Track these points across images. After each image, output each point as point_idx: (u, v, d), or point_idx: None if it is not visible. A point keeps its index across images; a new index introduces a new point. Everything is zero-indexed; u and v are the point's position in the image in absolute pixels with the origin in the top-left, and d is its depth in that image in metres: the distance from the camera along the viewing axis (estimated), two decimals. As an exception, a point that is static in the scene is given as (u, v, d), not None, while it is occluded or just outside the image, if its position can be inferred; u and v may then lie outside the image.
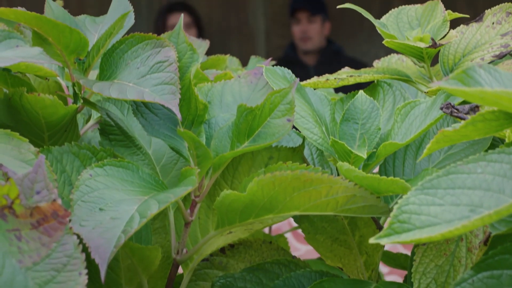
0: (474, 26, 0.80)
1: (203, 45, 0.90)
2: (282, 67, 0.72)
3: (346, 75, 0.78)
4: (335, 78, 0.77)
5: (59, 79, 0.72)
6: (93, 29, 0.77)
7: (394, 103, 0.75)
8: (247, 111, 0.64)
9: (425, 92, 0.74)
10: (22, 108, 0.65)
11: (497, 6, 0.81)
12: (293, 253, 0.75)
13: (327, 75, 0.80)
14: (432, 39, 0.73)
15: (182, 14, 0.75)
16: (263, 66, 0.71)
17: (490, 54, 0.76)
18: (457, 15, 0.80)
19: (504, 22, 0.79)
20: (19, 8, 0.68)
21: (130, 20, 0.73)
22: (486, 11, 0.81)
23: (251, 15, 4.50)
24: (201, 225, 0.70)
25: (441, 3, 0.82)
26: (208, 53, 4.17)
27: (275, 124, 0.64)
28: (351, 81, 0.77)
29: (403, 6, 0.86)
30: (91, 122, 0.75)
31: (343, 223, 0.69)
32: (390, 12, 0.86)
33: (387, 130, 0.70)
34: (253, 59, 1.07)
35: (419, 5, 0.86)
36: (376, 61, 0.88)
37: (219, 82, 0.72)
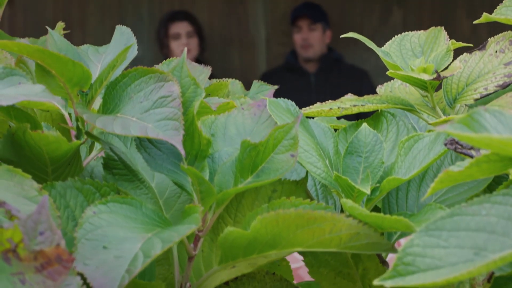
0: (477, 54, 0.80)
1: (205, 71, 0.90)
2: (286, 99, 0.72)
3: (349, 104, 0.78)
4: (338, 108, 0.77)
5: (62, 110, 0.72)
6: (96, 59, 0.77)
7: (398, 134, 0.75)
8: (251, 147, 0.63)
9: (428, 123, 0.74)
10: (26, 144, 0.65)
11: (500, 34, 0.81)
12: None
13: (330, 102, 0.80)
14: (436, 71, 0.73)
15: (186, 48, 0.75)
16: (267, 99, 0.71)
17: (493, 84, 0.76)
18: (461, 44, 0.80)
19: (507, 50, 0.79)
20: (22, 41, 0.68)
21: (133, 51, 0.73)
22: (489, 39, 0.81)
23: (252, 23, 4.50)
24: (204, 259, 0.70)
25: (444, 31, 0.82)
26: (210, 61, 4.22)
27: (279, 160, 0.64)
28: (355, 110, 0.77)
29: (406, 33, 0.86)
30: (93, 152, 0.75)
31: (346, 256, 0.69)
32: (393, 38, 0.86)
33: (390, 163, 0.70)
34: (255, 84, 1.07)
35: (422, 31, 0.86)
36: (379, 86, 0.88)
37: (223, 114, 0.72)
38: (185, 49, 0.74)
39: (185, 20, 4.13)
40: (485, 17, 0.83)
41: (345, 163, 0.69)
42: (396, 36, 0.86)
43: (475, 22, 0.84)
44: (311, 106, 0.80)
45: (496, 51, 0.79)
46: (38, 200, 0.59)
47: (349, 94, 0.82)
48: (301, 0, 4.43)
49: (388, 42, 0.85)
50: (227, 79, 1.07)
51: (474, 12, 4.27)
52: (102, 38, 4.67)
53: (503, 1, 0.84)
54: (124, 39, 0.77)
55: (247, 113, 0.72)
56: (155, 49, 4.50)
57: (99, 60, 0.77)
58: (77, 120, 0.68)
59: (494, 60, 0.79)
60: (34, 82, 0.79)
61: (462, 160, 0.69)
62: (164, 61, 0.95)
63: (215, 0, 4.53)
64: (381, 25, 4.42)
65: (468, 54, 0.81)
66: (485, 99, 0.77)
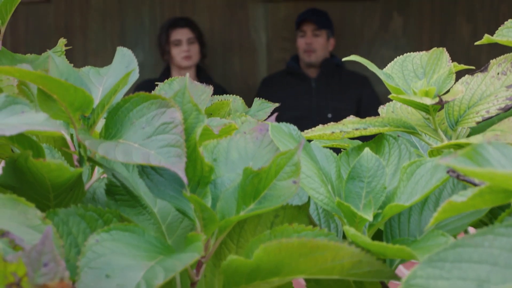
0: (479, 76, 0.80)
1: (207, 91, 0.90)
2: (288, 124, 0.72)
3: (351, 127, 0.78)
4: (340, 131, 0.77)
5: (65, 134, 0.72)
6: (98, 82, 0.77)
7: (400, 157, 0.75)
8: (253, 175, 0.64)
9: (431, 147, 0.74)
10: (28, 170, 0.65)
11: (502, 56, 0.81)
12: None
13: (332, 125, 0.80)
14: (438, 96, 0.73)
15: (188, 74, 0.75)
16: (269, 123, 0.71)
17: (495, 107, 0.76)
18: (462, 67, 0.80)
19: (509, 72, 0.79)
20: (24, 66, 0.68)
21: (134, 76, 0.73)
22: (491, 61, 0.81)
23: (253, 29, 4.51)
24: (207, 283, 0.70)
25: (446, 52, 0.82)
26: (211, 66, 4.20)
27: (281, 186, 0.64)
28: (357, 134, 0.77)
29: (408, 54, 0.86)
30: (95, 175, 0.75)
31: (349, 282, 0.69)
32: (395, 59, 0.86)
33: (392, 187, 0.70)
34: (256, 102, 1.07)
35: (424, 52, 0.86)
36: (382, 106, 0.88)
37: (225, 138, 0.72)
38: (187, 74, 0.73)
39: (186, 26, 4.14)
40: (486, 39, 0.83)
41: (347, 188, 0.69)
42: (398, 57, 0.86)
43: (477, 43, 0.84)
44: (313, 129, 0.80)
45: (498, 73, 0.79)
46: (42, 229, 0.59)
47: (351, 116, 0.82)
48: (302, 6, 4.43)
49: (390, 63, 0.85)
50: (228, 97, 1.07)
51: (474, 18, 4.28)
52: (103, 44, 4.69)
53: (505, 23, 0.84)
54: (125, 62, 0.77)
55: (249, 137, 0.72)
56: (156, 54, 4.51)
57: (100, 83, 0.77)
58: (79, 146, 0.68)
59: (496, 83, 0.79)
60: (35, 105, 0.80)
61: (464, 185, 0.70)
62: (166, 80, 0.95)
63: (216, 5, 4.53)
64: (381, 31, 4.42)
65: (470, 76, 0.81)
66: (487, 122, 0.77)
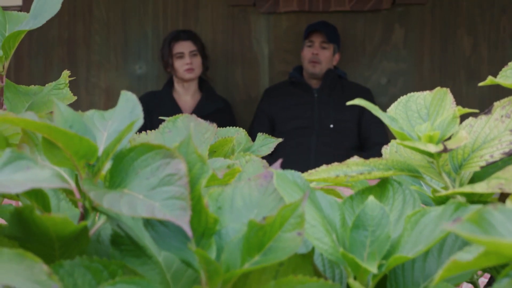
0: (482, 118, 0.80)
1: (211, 129, 0.90)
2: (293, 171, 0.72)
3: (356, 170, 0.78)
4: (345, 175, 0.77)
5: (70, 181, 0.72)
6: (102, 126, 0.77)
7: (404, 203, 0.75)
8: (258, 227, 0.64)
9: (434, 194, 0.74)
10: (33, 222, 0.66)
11: (506, 99, 0.81)
12: None
13: (336, 165, 0.80)
14: (443, 144, 0.73)
15: (192, 124, 0.75)
16: (274, 171, 0.71)
17: (499, 151, 0.76)
18: (466, 110, 0.80)
19: (513, 116, 0.79)
20: (28, 117, 0.68)
21: (139, 123, 0.73)
22: (494, 103, 0.81)
23: (255, 41, 4.51)
24: (211, 332, 0.69)
25: (450, 93, 0.82)
26: (213, 78, 4.21)
27: (286, 238, 0.64)
28: (361, 177, 0.77)
29: (412, 94, 0.86)
30: (100, 221, 0.75)
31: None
32: (399, 100, 0.86)
33: (397, 235, 0.70)
34: (259, 137, 1.07)
35: (427, 92, 0.86)
36: (385, 146, 0.88)
37: (230, 185, 0.72)
38: (192, 125, 0.73)
39: (188, 39, 4.15)
40: (490, 80, 0.83)
41: (352, 237, 0.69)
42: (401, 97, 0.86)
43: (480, 84, 0.84)
44: (317, 169, 0.80)
45: (501, 116, 0.79)
46: (49, 285, 0.59)
47: (355, 156, 0.82)
48: (304, 18, 4.44)
49: (394, 104, 0.85)
50: (232, 130, 1.07)
51: (474, 31, 4.28)
52: (107, 56, 4.69)
53: (509, 64, 0.84)
54: (129, 106, 0.77)
55: (253, 184, 0.72)
56: (159, 66, 4.51)
57: (105, 127, 0.77)
58: (84, 198, 0.68)
59: (500, 126, 0.79)
60: (39, 148, 0.80)
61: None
62: (170, 118, 0.95)
63: (218, 17, 4.54)
64: (383, 44, 4.43)
65: (474, 118, 0.81)
66: (491, 167, 0.77)
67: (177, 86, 4.26)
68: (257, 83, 4.53)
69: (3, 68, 1.01)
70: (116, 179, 0.69)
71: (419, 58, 4.40)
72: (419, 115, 0.84)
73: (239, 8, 4.52)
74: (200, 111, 4.20)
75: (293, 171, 0.72)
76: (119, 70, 4.64)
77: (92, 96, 4.67)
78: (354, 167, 0.80)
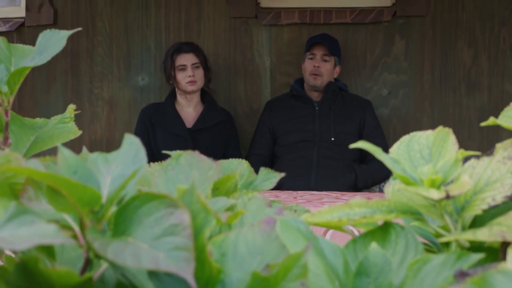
0: (485, 160, 0.81)
1: (214, 166, 0.91)
2: (296, 218, 0.72)
3: (359, 212, 0.78)
4: (347, 218, 0.77)
5: (75, 227, 0.73)
6: (106, 170, 0.78)
7: (406, 247, 0.75)
8: (261, 279, 0.64)
9: (437, 236, 0.75)
10: (38, 272, 0.66)
11: (508, 140, 0.81)
12: None
13: (339, 206, 0.81)
14: (445, 190, 0.73)
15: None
16: (277, 217, 0.71)
17: (501, 194, 0.76)
18: (470, 153, 0.80)
19: (515, 158, 0.79)
20: (32, 165, 0.68)
21: (142, 170, 0.74)
22: (496, 145, 0.81)
23: (257, 53, 4.52)
24: None
25: (452, 133, 0.83)
26: (216, 90, 4.24)
27: (289, 289, 0.64)
28: (364, 221, 0.77)
29: (414, 133, 0.86)
30: (104, 264, 0.75)
31: None
32: (401, 139, 0.86)
33: (399, 282, 0.70)
34: (262, 171, 1.07)
35: (430, 131, 0.86)
36: (387, 184, 0.88)
37: (233, 231, 0.73)
38: (194, 175, 0.74)
39: (190, 52, 4.16)
40: (492, 121, 0.84)
41: (354, 284, 0.69)
42: (404, 137, 0.86)
43: (482, 124, 0.84)
44: (321, 211, 0.81)
45: (503, 158, 0.79)
46: None
47: (358, 196, 0.82)
48: (305, 30, 4.45)
49: (396, 144, 0.86)
50: (234, 163, 1.08)
51: (474, 43, 4.29)
52: (110, 68, 4.71)
53: (510, 104, 0.85)
54: (133, 150, 0.77)
55: (257, 230, 0.73)
56: (162, 78, 4.53)
57: (108, 171, 0.78)
58: (88, 249, 0.68)
59: (502, 168, 0.79)
60: (43, 192, 0.80)
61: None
62: (174, 155, 0.95)
63: (221, 30, 4.55)
64: (384, 55, 4.43)
65: (476, 160, 0.81)
66: (493, 210, 0.77)
67: (180, 98, 4.27)
68: (259, 95, 4.54)
69: (8, 103, 1.01)
70: (121, 226, 0.69)
71: (419, 69, 4.41)
72: (421, 155, 0.84)
73: (241, 20, 4.53)
74: (202, 123, 4.21)
75: (296, 217, 0.73)
76: (122, 81, 4.65)
77: (95, 107, 4.68)
78: (357, 209, 0.80)
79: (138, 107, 4.53)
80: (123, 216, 0.69)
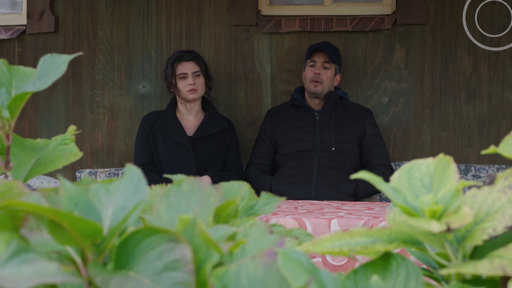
0: (485, 189, 0.81)
1: (215, 193, 0.91)
2: (298, 251, 0.73)
3: (360, 241, 0.78)
4: (348, 249, 0.77)
5: (76, 258, 0.73)
6: (107, 201, 0.78)
7: (407, 278, 0.75)
8: (263, 315, 0.64)
9: (439, 271, 0.75)
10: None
11: (509, 170, 0.81)
12: None
13: (340, 235, 0.81)
14: (446, 223, 0.73)
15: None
16: (278, 250, 0.72)
17: (502, 224, 0.76)
18: (470, 183, 0.81)
19: (516, 187, 0.79)
20: (34, 200, 0.69)
21: (144, 203, 0.74)
22: (497, 174, 0.81)
23: (257, 61, 4.53)
24: None
25: (453, 162, 0.83)
26: (216, 98, 4.26)
27: (290, 324, 0.64)
28: (365, 252, 0.77)
29: (415, 161, 0.87)
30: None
31: None
32: (403, 167, 0.86)
33: (401, 315, 0.70)
34: (263, 196, 1.08)
35: (430, 159, 0.87)
36: (388, 210, 0.88)
37: (234, 264, 0.73)
38: (195, 209, 0.74)
39: (191, 60, 4.16)
40: (492, 149, 0.84)
41: (356, 317, 0.69)
42: (405, 165, 0.86)
43: (482, 152, 0.85)
44: (322, 239, 0.81)
45: (504, 187, 0.80)
46: None
47: (360, 226, 0.82)
48: (306, 38, 4.46)
49: (397, 172, 0.86)
50: (236, 186, 1.08)
51: (474, 51, 4.29)
52: (111, 76, 4.72)
53: (511, 132, 0.85)
54: (134, 181, 0.78)
55: (258, 263, 0.73)
56: (163, 86, 4.53)
57: (110, 201, 0.78)
58: (90, 282, 0.68)
59: (502, 197, 0.79)
60: (45, 222, 0.80)
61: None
62: (176, 180, 0.95)
63: (221, 38, 4.56)
64: (384, 63, 4.44)
65: (477, 189, 0.81)
66: (494, 240, 0.78)
67: (180, 106, 4.27)
68: (259, 103, 4.55)
69: (10, 127, 1.02)
70: (123, 259, 0.70)
71: (420, 77, 4.42)
72: (422, 184, 0.84)
73: (242, 28, 4.54)
74: (203, 131, 4.21)
75: (297, 250, 0.73)
76: (123, 89, 4.66)
77: (97, 115, 4.69)
78: (358, 238, 0.80)
79: (139, 114, 4.54)
80: (125, 250, 0.70)
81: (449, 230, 0.73)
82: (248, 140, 4.49)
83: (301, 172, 4.00)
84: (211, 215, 0.90)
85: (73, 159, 1.11)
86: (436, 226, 0.73)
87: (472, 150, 4.40)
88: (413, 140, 4.47)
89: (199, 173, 4.10)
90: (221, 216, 0.96)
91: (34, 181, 4.29)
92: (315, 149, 4.07)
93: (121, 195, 0.78)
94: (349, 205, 3.19)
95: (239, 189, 1.10)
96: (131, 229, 0.79)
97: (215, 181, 4.06)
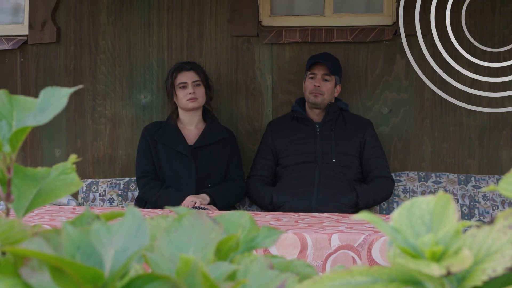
0: (485, 229, 0.81)
1: (216, 229, 0.91)
2: (297, 294, 0.73)
3: (360, 281, 0.79)
4: None
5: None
6: (108, 242, 0.78)
7: (408, 320, 0.76)
8: None
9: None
10: None
11: (509, 209, 0.82)
12: None
13: (340, 273, 0.81)
14: (446, 267, 0.74)
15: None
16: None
17: (502, 265, 0.77)
18: (470, 223, 0.81)
19: (516, 227, 0.79)
20: (36, 247, 0.69)
21: (145, 247, 0.74)
22: (497, 213, 0.82)
23: (258, 71, 4.54)
24: None
25: (453, 201, 0.83)
26: (217, 108, 4.29)
27: None
28: (364, 293, 0.78)
29: (415, 199, 0.87)
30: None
31: None
32: (403, 205, 0.86)
33: None
34: (264, 228, 1.08)
35: (431, 196, 0.87)
36: (388, 246, 0.88)
37: (235, 307, 0.73)
38: (197, 227, 0.74)
39: (191, 70, 4.18)
40: (491, 187, 0.84)
41: None
42: (405, 203, 0.87)
43: (483, 190, 0.85)
44: (322, 277, 0.81)
45: (504, 227, 0.80)
46: None
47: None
48: (307, 48, 4.46)
49: (397, 209, 0.86)
50: (237, 216, 1.08)
51: (474, 62, 4.28)
52: (112, 86, 4.72)
53: (511, 170, 0.85)
54: (136, 223, 0.78)
55: (259, 307, 0.73)
56: (164, 96, 4.54)
57: (111, 243, 0.78)
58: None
59: (502, 237, 0.79)
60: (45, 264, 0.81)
61: None
62: (177, 216, 0.95)
63: (222, 49, 4.57)
64: (385, 74, 4.44)
65: (477, 228, 0.81)
66: (493, 281, 0.78)
67: (182, 116, 4.28)
68: (260, 113, 4.55)
69: (11, 160, 1.02)
70: (124, 305, 0.70)
71: (420, 88, 4.42)
72: (422, 221, 0.84)
73: (243, 39, 4.55)
74: (204, 141, 4.21)
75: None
76: (125, 99, 4.66)
77: (98, 125, 4.69)
78: (359, 277, 0.80)
79: (141, 124, 4.54)
80: (126, 295, 0.70)
81: (449, 274, 0.73)
82: (249, 150, 4.50)
83: (302, 183, 4.01)
84: (213, 251, 0.90)
85: (74, 189, 1.11)
86: (436, 270, 0.73)
87: (473, 161, 4.41)
88: (413, 150, 4.48)
89: (199, 182, 4.11)
90: (221, 251, 0.96)
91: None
92: (315, 160, 4.07)
93: (122, 237, 0.79)
94: (349, 218, 3.20)
95: (240, 219, 1.10)
96: (134, 270, 0.79)
97: (215, 196, 4.06)
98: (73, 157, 1.14)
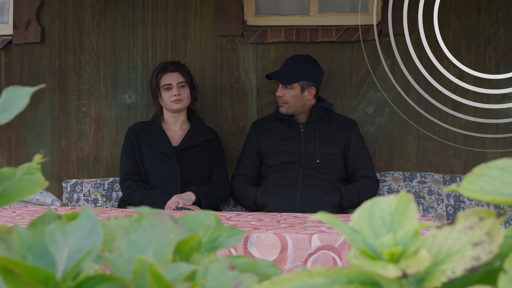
0: (446, 229, 0.80)
1: (176, 228, 0.90)
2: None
3: (318, 282, 0.78)
4: (306, 291, 0.77)
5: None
6: (63, 242, 0.77)
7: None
8: None
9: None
10: None
11: (470, 210, 0.81)
12: None
13: (299, 274, 0.80)
14: (402, 269, 0.73)
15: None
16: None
17: (461, 267, 0.76)
18: (429, 224, 0.80)
19: (476, 228, 0.79)
20: None
21: (97, 248, 0.73)
22: (458, 214, 0.81)
23: (243, 71, 4.53)
24: None
25: (413, 201, 0.83)
26: (202, 109, 4.27)
27: None
28: (323, 295, 0.77)
29: (377, 199, 0.86)
30: None
31: None
32: (364, 205, 0.86)
33: None
34: (227, 228, 1.06)
35: (392, 196, 0.86)
36: (350, 250, 0.87)
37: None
38: (157, 227, 0.73)
39: (176, 71, 4.16)
40: (453, 187, 0.83)
41: None
42: (366, 203, 0.86)
43: (445, 190, 0.84)
44: (281, 279, 0.80)
45: (465, 227, 0.79)
46: None
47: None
48: (291, 48, 4.46)
49: (359, 209, 0.85)
50: (202, 216, 1.07)
51: (460, 61, 4.29)
52: (97, 86, 4.70)
53: (472, 169, 0.84)
54: (89, 224, 0.77)
55: (213, 308, 0.72)
56: (149, 96, 4.52)
57: (66, 244, 0.77)
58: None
59: (462, 238, 0.79)
60: None
61: None
62: (136, 216, 0.94)
63: (207, 48, 4.55)
64: (370, 74, 4.44)
65: (437, 229, 0.81)
66: (453, 283, 0.77)
67: (166, 117, 4.26)
68: (245, 113, 4.54)
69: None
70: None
71: (405, 88, 4.42)
72: (383, 222, 0.84)
73: (227, 39, 4.54)
74: (189, 142, 4.20)
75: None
76: (109, 99, 4.64)
77: (83, 125, 4.67)
78: (317, 278, 0.79)
79: (125, 124, 4.52)
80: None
81: (404, 275, 0.72)
82: (234, 150, 4.49)
83: (286, 183, 4.00)
84: (171, 251, 0.89)
85: (38, 189, 1.10)
86: (392, 272, 0.72)
87: (458, 161, 4.41)
88: (398, 150, 4.48)
89: (184, 183, 4.10)
90: (182, 251, 0.95)
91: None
92: (300, 161, 4.07)
93: (77, 238, 0.78)
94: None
95: (205, 219, 1.09)
96: (88, 270, 0.78)
97: (201, 194, 4.05)
98: (38, 157, 1.13)
